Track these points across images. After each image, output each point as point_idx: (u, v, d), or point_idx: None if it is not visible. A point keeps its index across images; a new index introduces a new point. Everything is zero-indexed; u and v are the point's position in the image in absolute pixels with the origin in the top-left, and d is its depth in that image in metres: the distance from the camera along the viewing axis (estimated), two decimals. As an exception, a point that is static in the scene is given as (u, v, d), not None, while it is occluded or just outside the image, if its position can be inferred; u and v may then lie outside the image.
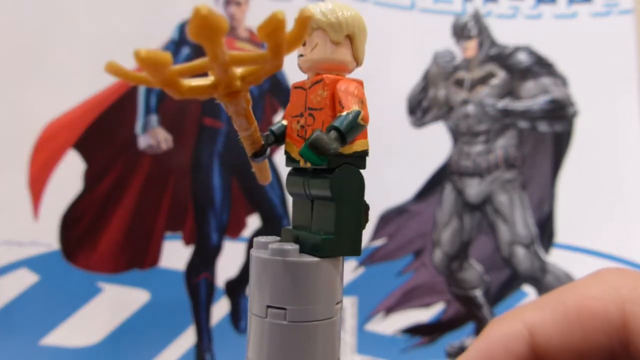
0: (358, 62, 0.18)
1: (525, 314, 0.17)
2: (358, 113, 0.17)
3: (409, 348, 0.56)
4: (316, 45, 0.18)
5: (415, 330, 0.56)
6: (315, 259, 0.17)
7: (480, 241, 0.59)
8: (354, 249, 0.18)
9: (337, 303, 0.18)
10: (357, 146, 0.17)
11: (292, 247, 0.17)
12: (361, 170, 0.18)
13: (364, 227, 0.18)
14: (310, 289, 0.17)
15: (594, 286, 0.16)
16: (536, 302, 0.17)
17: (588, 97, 0.61)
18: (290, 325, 0.17)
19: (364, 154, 0.17)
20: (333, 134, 0.17)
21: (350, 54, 0.18)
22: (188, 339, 0.52)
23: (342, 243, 0.17)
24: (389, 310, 0.56)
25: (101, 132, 0.52)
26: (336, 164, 0.17)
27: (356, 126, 0.17)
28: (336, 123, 0.17)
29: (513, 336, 0.16)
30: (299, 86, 0.19)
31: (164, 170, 0.53)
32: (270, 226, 0.54)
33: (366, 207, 0.18)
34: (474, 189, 0.59)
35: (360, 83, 0.18)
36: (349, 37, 0.18)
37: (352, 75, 0.19)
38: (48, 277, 0.50)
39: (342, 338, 0.54)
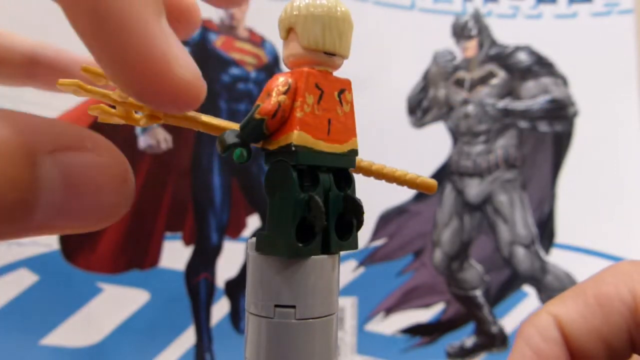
0: (310, 48, 0.17)
1: (550, 307, 0.18)
2: (255, 108, 0.17)
3: (409, 348, 0.56)
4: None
5: (415, 330, 0.56)
6: (251, 252, 0.17)
7: (480, 241, 0.59)
8: (281, 249, 0.17)
9: (278, 306, 0.17)
10: (282, 140, 0.17)
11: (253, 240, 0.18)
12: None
13: (321, 229, 0.17)
14: (252, 281, 0.17)
15: (608, 275, 0.18)
16: (558, 296, 0.19)
17: (588, 97, 0.61)
18: (274, 322, 0.17)
19: (288, 147, 0.17)
20: (238, 132, 0.17)
21: (298, 44, 0.17)
22: (188, 339, 0.52)
23: (273, 241, 0.17)
24: (389, 310, 0.56)
25: (101, 132, 0.52)
26: (268, 160, 0.17)
27: (251, 120, 0.17)
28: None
29: (544, 325, 0.18)
30: None
31: (164, 170, 0.53)
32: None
33: (354, 207, 0.17)
34: (474, 189, 0.59)
35: (296, 74, 0.17)
36: (292, 28, 0.17)
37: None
38: (48, 277, 0.50)
39: (342, 338, 0.54)
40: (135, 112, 0.18)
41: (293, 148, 0.17)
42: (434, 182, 0.22)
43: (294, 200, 0.17)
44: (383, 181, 0.22)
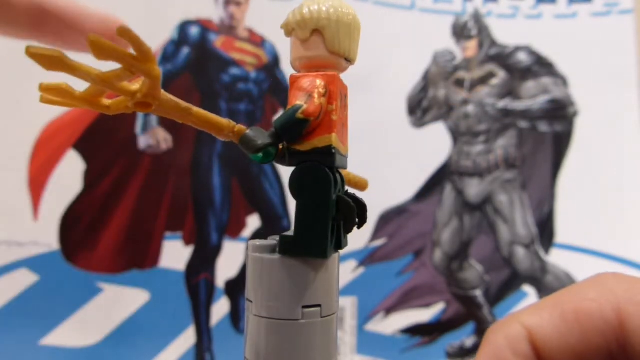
0: (337, 53, 0.17)
1: (523, 317, 0.17)
2: (297, 108, 0.17)
3: (409, 348, 0.56)
4: (294, 45, 0.18)
5: (415, 330, 0.56)
6: (271, 256, 0.17)
7: (480, 241, 0.59)
8: (317, 250, 0.17)
9: (305, 307, 0.17)
10: (317, 142, 0.17)
11: (263, 242, 0.17)
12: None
13: (355, 228, 0.17)
14: (271, 286, 0.17)
15: (590, 289, 0.17)
16: (534, 305, 0.17)
17: (588, 97, 0.61)
18: (277, 323, 0.17)
19: (326, 149, 0.17)
20: (270, 130, 0.17)
21: (324, 47, 0.17)
22: (188, 339, 0.52)
23: (302, 243, 0.17)
24: (389, 310, 0.56)
25: (101, 132, 0.52)
26: (297, 161, 0.17)
27: (293, 121, 0.16)
28: (275, 120, 0.17)
29: (515, 337, 0.17)
30: None
31: (164, 170, 0.53)
32: (270, 226, 0.54)
33: (359, 206, 0.18)
34: (474, 189, 0.59)
35: (327, 77, 0.17)
36: (318, 31, 0.17)
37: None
38: (48, 277, 0.50)
39: (342, 338, 0.54)
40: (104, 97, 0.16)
41: (333, 151, 0.17)
42: (364, 180, 0.23)
43: (331, 201, 0.17)
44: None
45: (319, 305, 0.17)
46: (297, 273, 0.17)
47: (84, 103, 0.15)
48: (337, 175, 0.18)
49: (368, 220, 0.18)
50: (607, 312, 0.16)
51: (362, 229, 0.19)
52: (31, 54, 0.14)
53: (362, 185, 0.22)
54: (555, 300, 0.17)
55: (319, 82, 0.17)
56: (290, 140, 0.17)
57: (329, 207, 0.17)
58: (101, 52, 0.14)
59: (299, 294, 0.17)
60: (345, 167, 0.18)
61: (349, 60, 0.18)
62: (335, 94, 0.17)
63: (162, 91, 0.16)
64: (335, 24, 0.17)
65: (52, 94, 0.15)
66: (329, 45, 0.17)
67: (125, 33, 0.14)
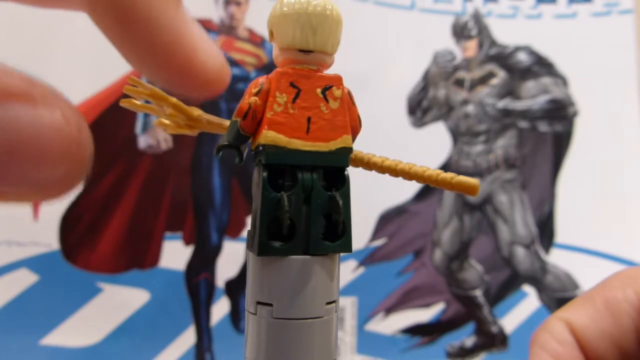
0: (283, 47, 0.17)
1: (560, 313, 0.19)
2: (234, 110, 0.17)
3: (409, 348, 0.56)
4: None
5: (415, 330, 0.56)
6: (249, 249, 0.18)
7: (480, 241, 0.59)
8: (253, 247, 0.17)
9: (259, 303, 0.17)
10: (256, 141, 0.17)
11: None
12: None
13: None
14: (251, 281, 0.18)
15: (614, 280, 0.19)
16: (569, 303, 0.19)
17: (588, 97, 0.61)
18: (256, 318, 0.17)
19: (257, 147, 0.17)
20: None
21: (276, 45, 0.18)
22: (188, 339, 0.52)
23: (251, 239, 0.17)
24: (389, 310, 0.56)
25: (101, 132, 0.52)
26: (254, 160, 0.18)
27: (230, 124, 0.18)
28: None
29: (557, 330, 0.18)
30: None
31: (164, 170, 0.53)
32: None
33: (283, 208, 0.17)
34: (474, 189, 0.59)
35: (271, 74, 0.17)
36: (271, 31, 0.18)
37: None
38: (48, 277, 0.50)
39: (342, 338, 0.54)
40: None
41: (260, 148, 0.17)
42: (474, 182, 0.19)
43: (264, 199, 0.17)
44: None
45: (270, 304, 0.17)
46: (254, 267, 0.17)
47: (178, 129, 0.19)
48: (305, 174, 0.17)
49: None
50: (630, 296, 0.17)
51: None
52: (124, 103, 0.18)
53: (466, 188, 0.18)
54: (586, 294, 0.19)
55: (257, 81, 0.17)
56: (237, 142, 0.18)
57: (261, 205, 0.17)
58: (133, 94, 0.18)
59: (254, 288, 0.17)
60: (320, 163, 0.17)
61: (306, 51, 0.17)
62: (273, 90, 0.17)
63: (199, 112, 0.18)
64: (277, 19, 0.17)
65: (133, 106, 0.18)
66: (277, 41, 0.17)
67: (134, 81, 0.17)
